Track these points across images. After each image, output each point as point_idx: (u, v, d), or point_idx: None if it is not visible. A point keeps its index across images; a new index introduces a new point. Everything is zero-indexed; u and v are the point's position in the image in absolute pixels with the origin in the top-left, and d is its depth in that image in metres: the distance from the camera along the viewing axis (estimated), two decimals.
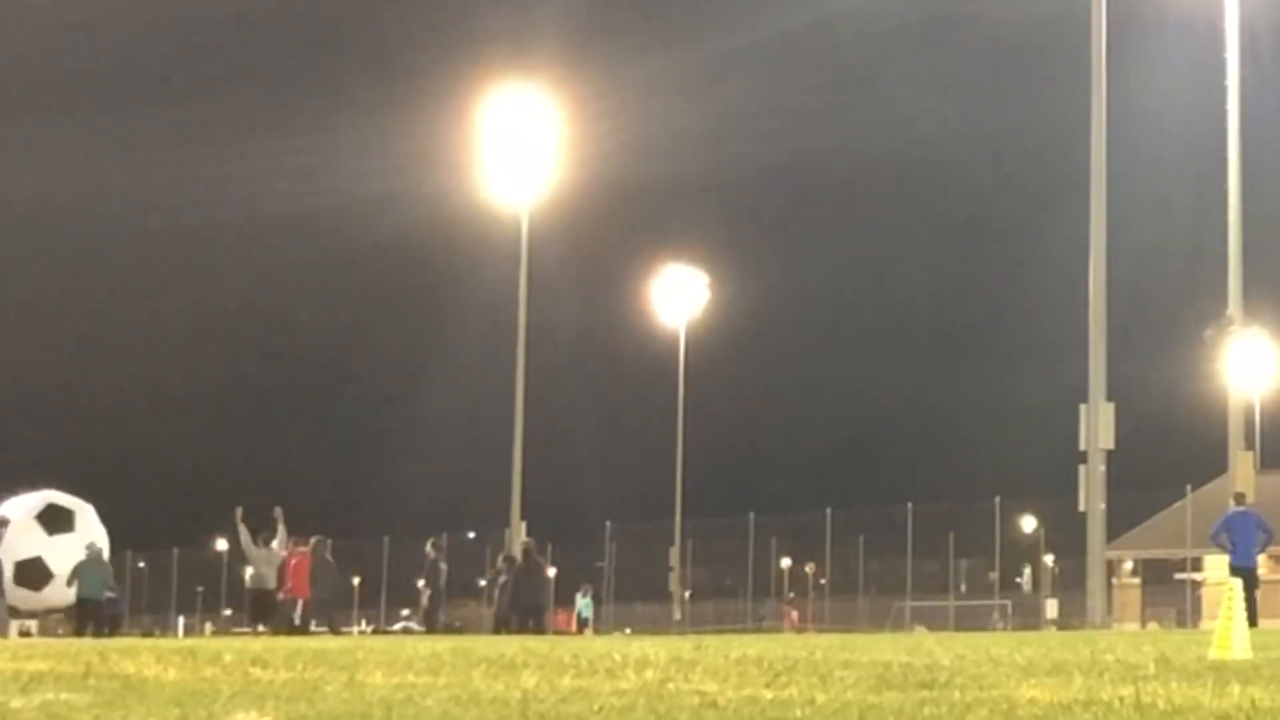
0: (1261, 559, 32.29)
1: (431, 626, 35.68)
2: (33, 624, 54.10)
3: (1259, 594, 29.36)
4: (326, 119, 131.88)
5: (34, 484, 27.04)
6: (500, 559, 38.92)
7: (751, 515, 79.04)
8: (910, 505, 73.10)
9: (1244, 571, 28.94)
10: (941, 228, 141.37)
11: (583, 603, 53.47)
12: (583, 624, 51.83)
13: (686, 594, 72.28)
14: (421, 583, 39.19)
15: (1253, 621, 27.24)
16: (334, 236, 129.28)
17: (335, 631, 34.71)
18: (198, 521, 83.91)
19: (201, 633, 65.57)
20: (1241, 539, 29.02)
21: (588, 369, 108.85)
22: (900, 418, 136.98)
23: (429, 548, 36.82)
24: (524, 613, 35.58)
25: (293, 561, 35.00)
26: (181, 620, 77.85)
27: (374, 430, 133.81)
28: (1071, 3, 40.14)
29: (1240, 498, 31.09)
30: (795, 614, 74.53)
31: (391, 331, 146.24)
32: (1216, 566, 31.32)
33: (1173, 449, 67.16)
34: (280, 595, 34.29)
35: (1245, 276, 42.79)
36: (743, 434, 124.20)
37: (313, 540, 34.97)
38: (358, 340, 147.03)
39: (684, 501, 66.59)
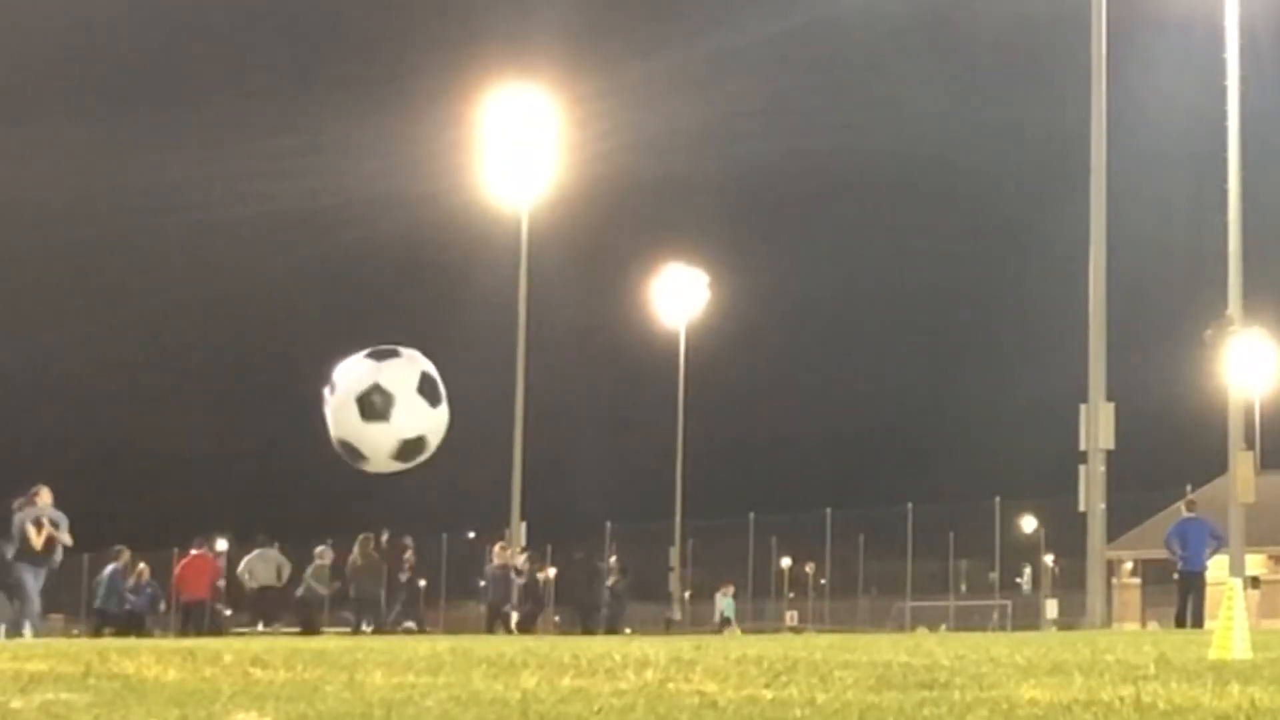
0: (1261, 559, 32.40)
1: (508, 625, 35.79)
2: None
3: (1255, 597, 29.50)
4: (326, 119, 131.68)
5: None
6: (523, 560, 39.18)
7: (751, 515, 79.02)
8: (910, 505, 73.05)
9: (1193, 577, 29.29)
10: (941, 227, 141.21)
11: (725, 602, 53.29)
12: (725, 623, 51.56)
13: (686, 594, 72.20)
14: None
15: (1199, 623, 27.57)
16: (334, 236, 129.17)
17: (379, 630, 34.30)
18: (198, 521, 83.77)
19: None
20: (1194, 546, 29.43)
21: (588, 369, 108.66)
22: (900, 418, 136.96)
23: (497, 549, 37.40)
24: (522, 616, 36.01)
25: (181, 561, 34.66)
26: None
27: None
28: (1071, 2, 40.13)
29: (1191, 504, 31.34)
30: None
31: (391, 331, 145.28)
32: (1216, 567, 31.34)
33: (1173, 449, 67.09)
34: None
35: (1245, 276, 42.74)
36: (743, 434, 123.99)
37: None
38: (358, 340, 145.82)
39: (684, 501, 66.55)
